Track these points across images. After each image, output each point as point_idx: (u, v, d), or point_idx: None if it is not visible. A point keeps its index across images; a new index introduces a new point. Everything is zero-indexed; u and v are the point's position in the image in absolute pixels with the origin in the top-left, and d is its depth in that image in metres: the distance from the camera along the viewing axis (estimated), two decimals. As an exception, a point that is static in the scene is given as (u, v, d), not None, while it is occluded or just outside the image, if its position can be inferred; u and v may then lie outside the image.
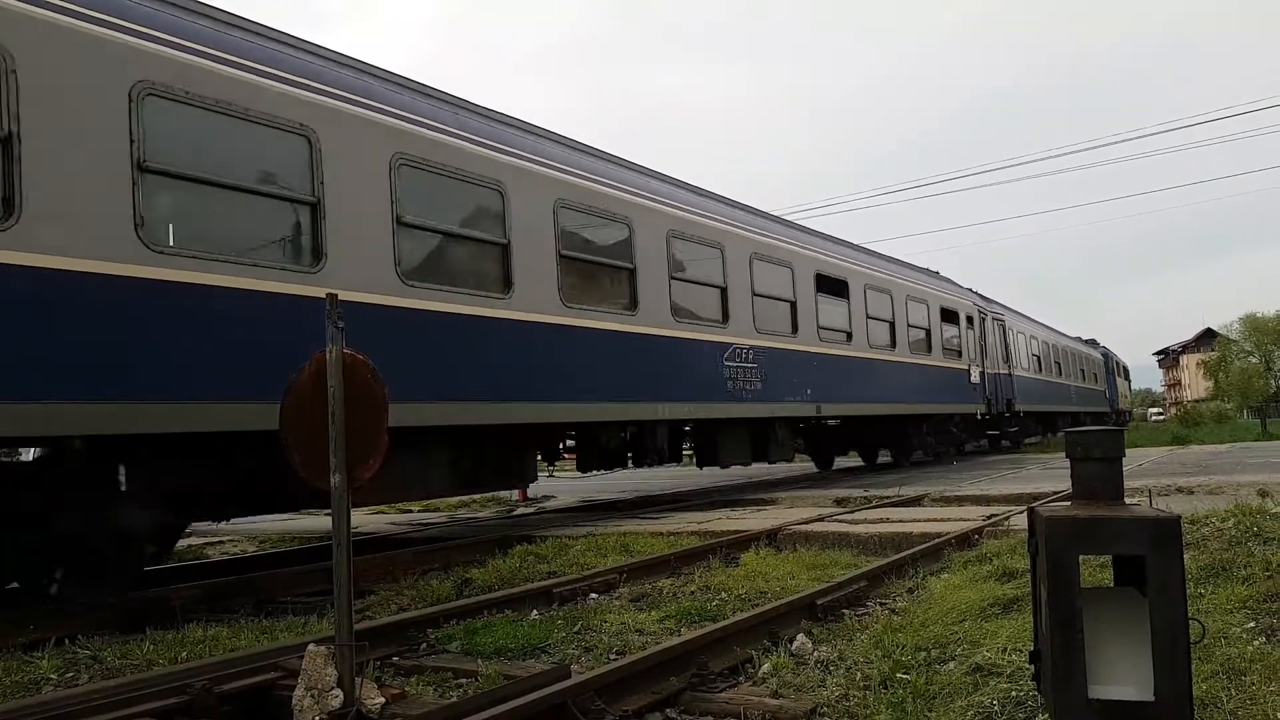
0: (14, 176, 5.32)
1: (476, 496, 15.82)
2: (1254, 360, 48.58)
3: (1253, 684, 3.33)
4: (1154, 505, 3.29)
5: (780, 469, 18.87)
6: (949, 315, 19.51)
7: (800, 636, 4.81)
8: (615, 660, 4.42)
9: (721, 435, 12.82)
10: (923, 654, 4.22)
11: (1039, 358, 26.81)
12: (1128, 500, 2.98)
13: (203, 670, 4.17)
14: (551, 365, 9.20)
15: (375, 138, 7.59)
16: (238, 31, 6.93)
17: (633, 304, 10.34)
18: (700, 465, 14.26)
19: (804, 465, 20.13)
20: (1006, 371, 22.83)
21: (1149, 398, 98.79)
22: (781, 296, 13.49)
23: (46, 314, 5.44)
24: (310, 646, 3.71)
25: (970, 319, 20.84)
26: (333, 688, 3.62)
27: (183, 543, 10.87)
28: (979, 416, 20.82)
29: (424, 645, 5.16)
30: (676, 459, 14.11)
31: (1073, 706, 2.67)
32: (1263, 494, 7.90)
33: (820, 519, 9.57)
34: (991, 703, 3.51)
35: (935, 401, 18.61)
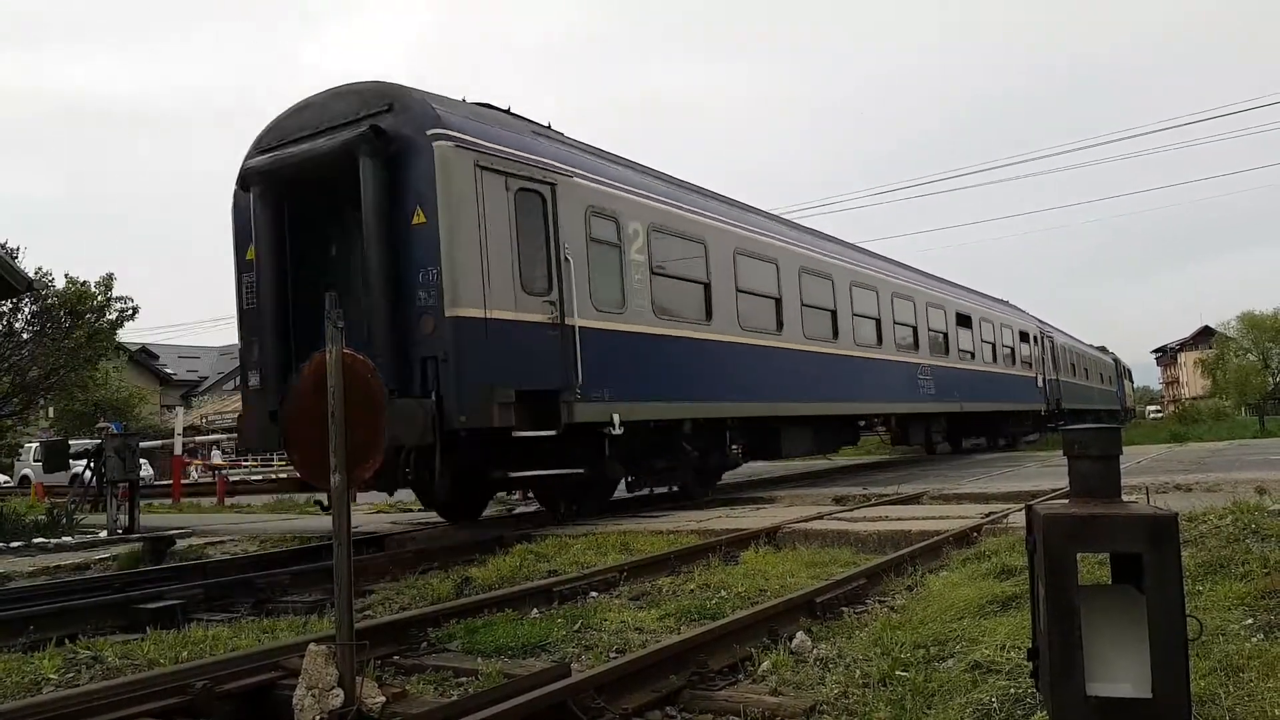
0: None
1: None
2: (1252, 358, 48.56)
3: (1250, 681, 3.34)
4: (1152, 503, 3.30)
5: (779, 467, 19.15)
6: (1023, 336, 26.30)
7: (800, 634, 4.83)
8: (615, 659, 4.43)
9: (913, 425, 20.16)
10: (921, 651, 4.23)
11: (1073, 366, 33.28)
12: (1126, 498, 2.98)
13: (204, 670, 4.18)
14: (812, 378, 14.69)
15: (720, 236, 13.04)
16: (684, 192, 12.66)
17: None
18: (894, 444, 21.92)
19: (807, 463, 20.37)
20: (1055, 378, 29.24)
21: (1147, 395, 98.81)
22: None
23: (646, 355, 10.95)
24: (311, 646, 3.72)
25: (1035, 337, 27.52)
26: (334, 687, 3.62)
27: (182, 543, 10.89)
28: (1041, 413, 27.20)
29: (424, 644, 5.17)
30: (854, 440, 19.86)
31: (1071, 704, 2.68)
32: (1261, 491, 7.91)
33: (819, 517, 9.59)
34: (990, 700, 3.52)
35: (1017, 401, 25.09)
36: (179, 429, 23.04)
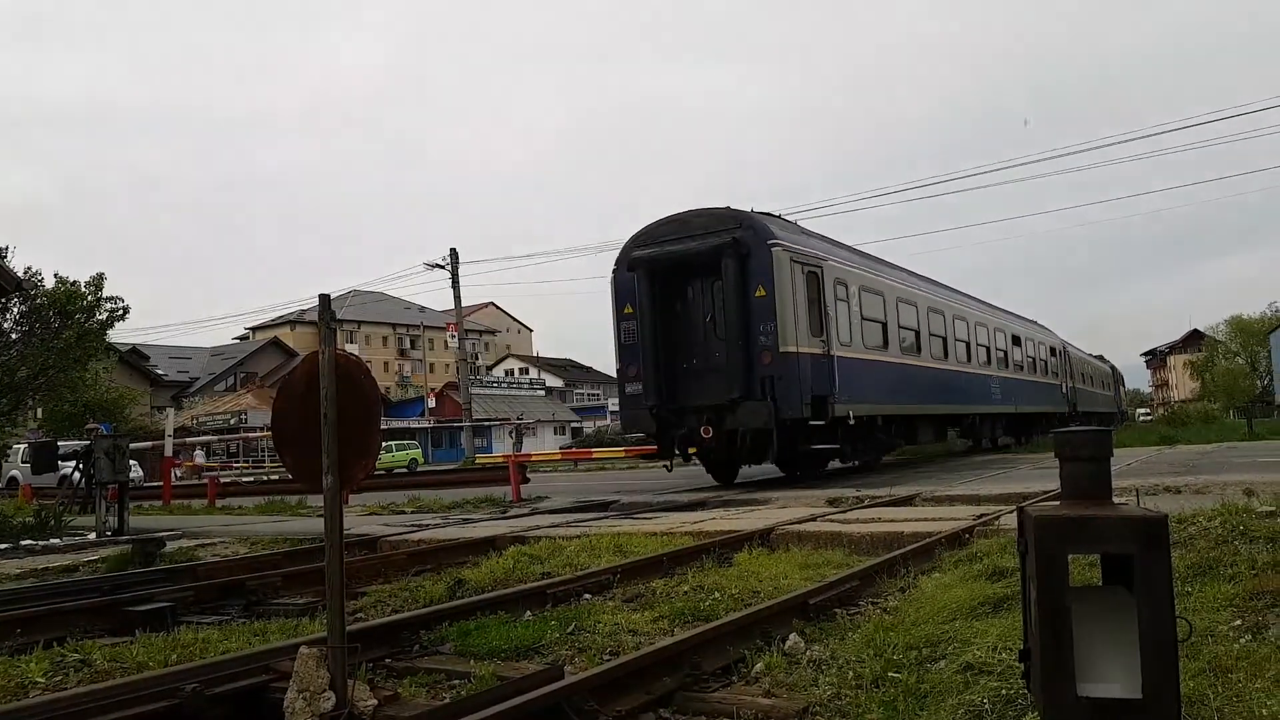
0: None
1: (470, 498, 15.82)
2: (1240, 361, 48.87)
3: (1239, 681, 3.36)
4: (1142, 505, 3.32)
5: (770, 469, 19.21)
6: (1051, 351, 31.90)
7: (793, 636, 4.83)
8: (609, 661, 4.43)
9: (984, 424, 24.58)
10: (914, 653, 4.23)
11: (1084, 375, 38.90)
12: (1116, 499, 3.00)
13: (193, 673, 4.16)
14: (936, 387, 20.56)
15: (889, 289, 18.94)
16: (871, 259, 18.78)
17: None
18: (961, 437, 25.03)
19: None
20: (1073, 385, 34.67)
21: (1137, 398, 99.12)
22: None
23: (862, 373, 15.94)
24: (302, 648, 3.71)
25: (1059, 352, 33.03)
26: (325, 690, 3.61)
27: (172, 545, 10.84)
28: (1063, 415, 31.71)
29: (417, 647, 5.15)
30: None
31: (1062, 704, 2.69)
32: (1249, 493, 7.95)
33: (813, 519, 9.60)
34: (982, 701, 3.52)
35: (1048, 405, 30.32)
36: (169, 430, 22.90)
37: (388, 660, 4.85)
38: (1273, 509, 5.95)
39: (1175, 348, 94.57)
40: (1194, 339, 76.73)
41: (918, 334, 19.77)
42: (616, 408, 77.68)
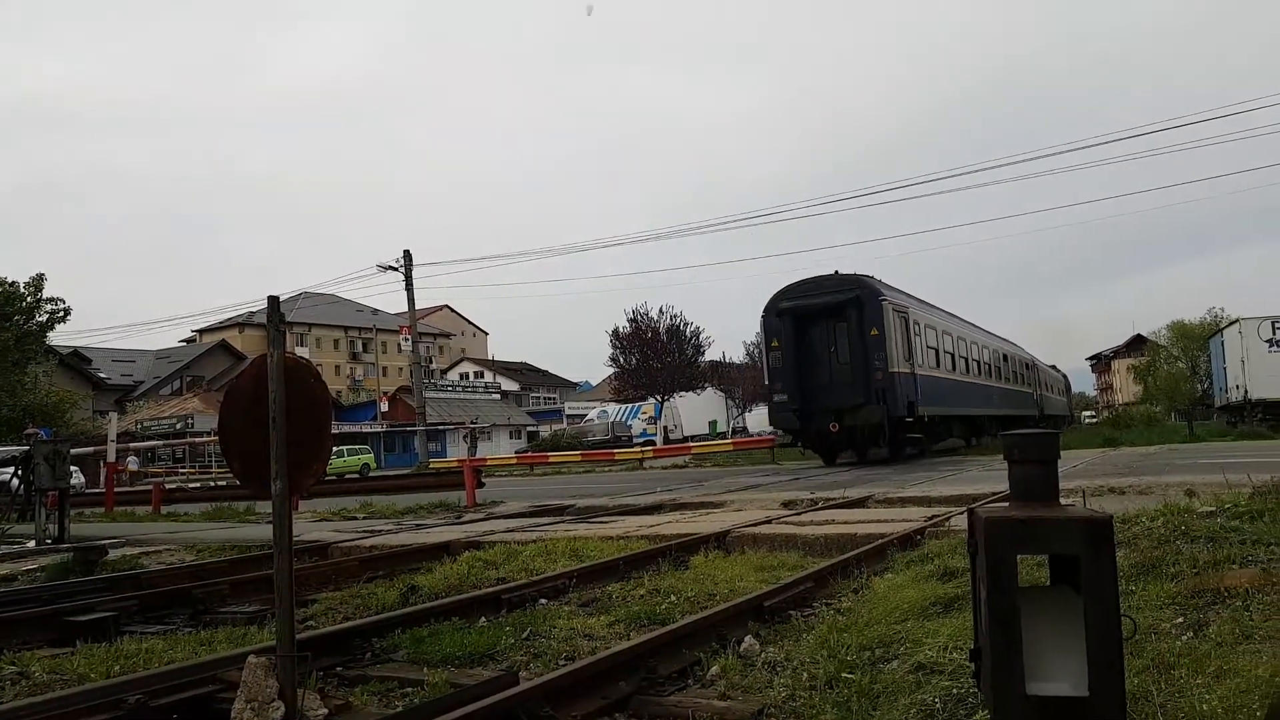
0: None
1: (423, 503, 15.66)
2: (1181, 365, 50.13)
3: (1181, 678, 3.43)
4: (1088, 505, 3.38)
5: (744, 472, 19.31)
6: (1025, 365, 39.09)
7: (748, 638, 4.84)
8: (564, 666, 4.40)
9: (988, 424, 29.74)
10: (867, 653, 4.27)
11: (1046, 384, 45.32)
12: (1063, 500, 3.05)
13: (137, 684, 4.06)
14: (966, 394, 27.08)
15: (944, 323, 26.72)
16: (936, 309, 26.59)
17: (967, 370, 27.57)
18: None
19: (761, 464, 20.64)
20: (1040, 394, 41.72)
21: (1083, 401, 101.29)
22: (999, 364, 32.93)
23: (931, 385, 23.05)
24: (250, 657, 3.64)
25: (1030, 365, 40.42)
26: (274, 699, 3.55)
27: (115, 553, 10.57)
28: (1034, 417, 37.89)
29: (369, 654, 5.08)
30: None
31: (1011, 703, 2.72)
32: (1190, 494, 8.14)
33: (768, 521, 9.65)
34: (933, 701, 3.56)
35: (1025, 409, 36.67)
36: (112, 435, 22.35)
37: (339, 669, 4.77)
38: (1213, 509, 6.10)
39: (1119, 352, 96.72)
40: (1137, 343, 78.56)
41: (953, 355, 26.47)
42: (572, 411, 77.49)
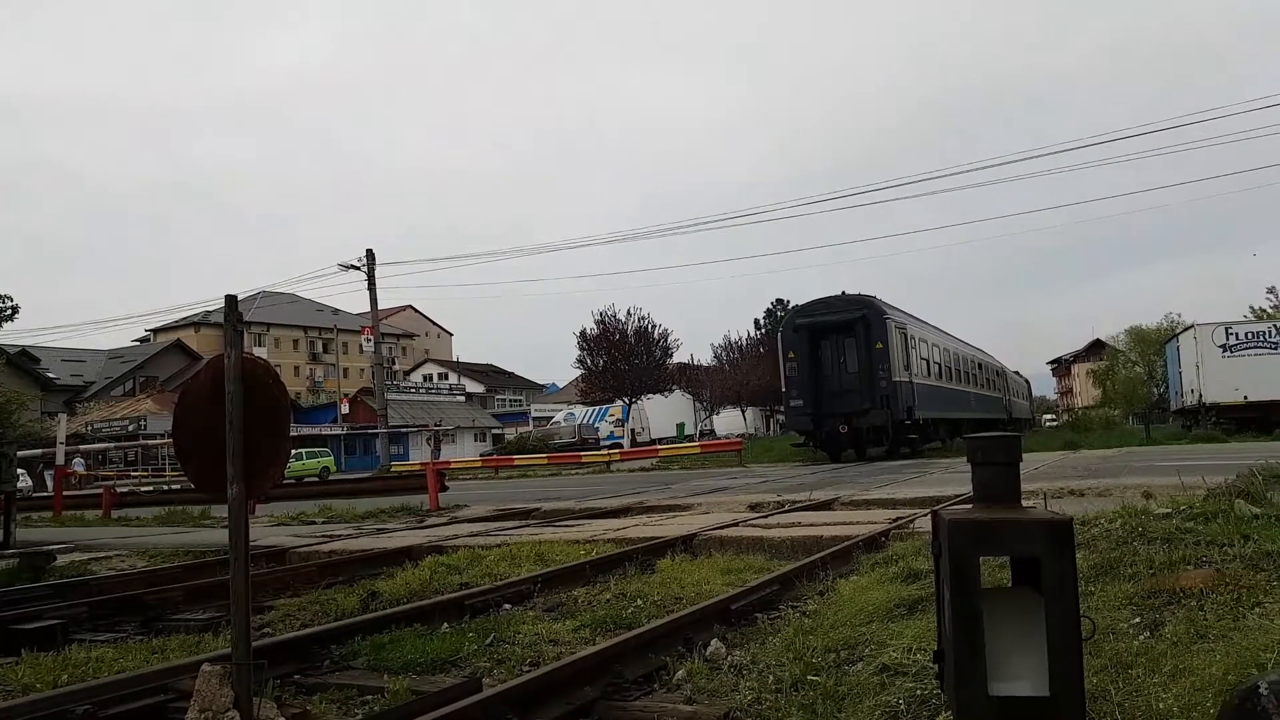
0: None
1: (385, 506, 15.50)
2: (1138, 369, 51.02)
3: (1138, 677, 3.47)
4: (1049, 507, 3.41)
5: (711, 474, 19.30)
6: (996, 372, 43.10)
7: (714, 642, 4.83)
8: (528, 672, 4.36)
9: (967, 426, 30.19)
10: (832, 655, 4.28)
11: (1013, 389, 49.54)
12: (1024, 503, 3.07)
13: (85, 694, 3.95)
14: (952, 400, 30.80)
15: (935, 337, 30.46)
16: (930, 326, 30.53)
17: (952, 378, 31.35)
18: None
19: (729, 467, 20.71)
20: (1008, 398, 45.54)
21: (1044, 404, 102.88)
22: (976, 372, 36.39)
23: (925, 392, 26.36)
24: (204, 666, 3.55)
25: (1000, 372, 44.56)
26: (229, 709, 3.46)
27: (64, 558, 10.34)
28: (1003, 420, 40.90)
29: (328, 662, 5.00)
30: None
31: (974, 703, 2.74)
32: (1147, 496, 8.28)
33: (735, 524, 9.66)
34: (898, 702, 3.57)
35: (996, 413, 39.84)
36: (61, 437, 21.82)
37: (296, 676, 4.69)
38: (1169, 511, 6.19)
39: (1079, 356, 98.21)
40: (1096, 348, 79.81)
41: (940, 365, 29.70)
42: (539, 413, 77.19)
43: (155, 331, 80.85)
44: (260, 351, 77.73)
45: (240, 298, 3.85)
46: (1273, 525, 5.12)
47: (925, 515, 8.45)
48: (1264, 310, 47.60)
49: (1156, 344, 46.02)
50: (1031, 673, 2.78)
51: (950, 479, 14.01)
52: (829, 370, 24.94)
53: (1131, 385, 48.53)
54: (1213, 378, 28.72)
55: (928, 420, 26.87)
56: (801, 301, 29.27)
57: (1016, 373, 56.99)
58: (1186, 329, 32.26)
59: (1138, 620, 4.19)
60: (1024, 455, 3.16)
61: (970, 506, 3.08)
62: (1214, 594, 4.29)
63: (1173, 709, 3.13)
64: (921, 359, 27.03)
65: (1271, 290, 49.39)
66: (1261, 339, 28.75)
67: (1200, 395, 28.92)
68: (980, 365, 38.42)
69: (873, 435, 24.36)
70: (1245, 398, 28.22)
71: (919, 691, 3.62)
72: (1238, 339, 28.87)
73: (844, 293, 26.07)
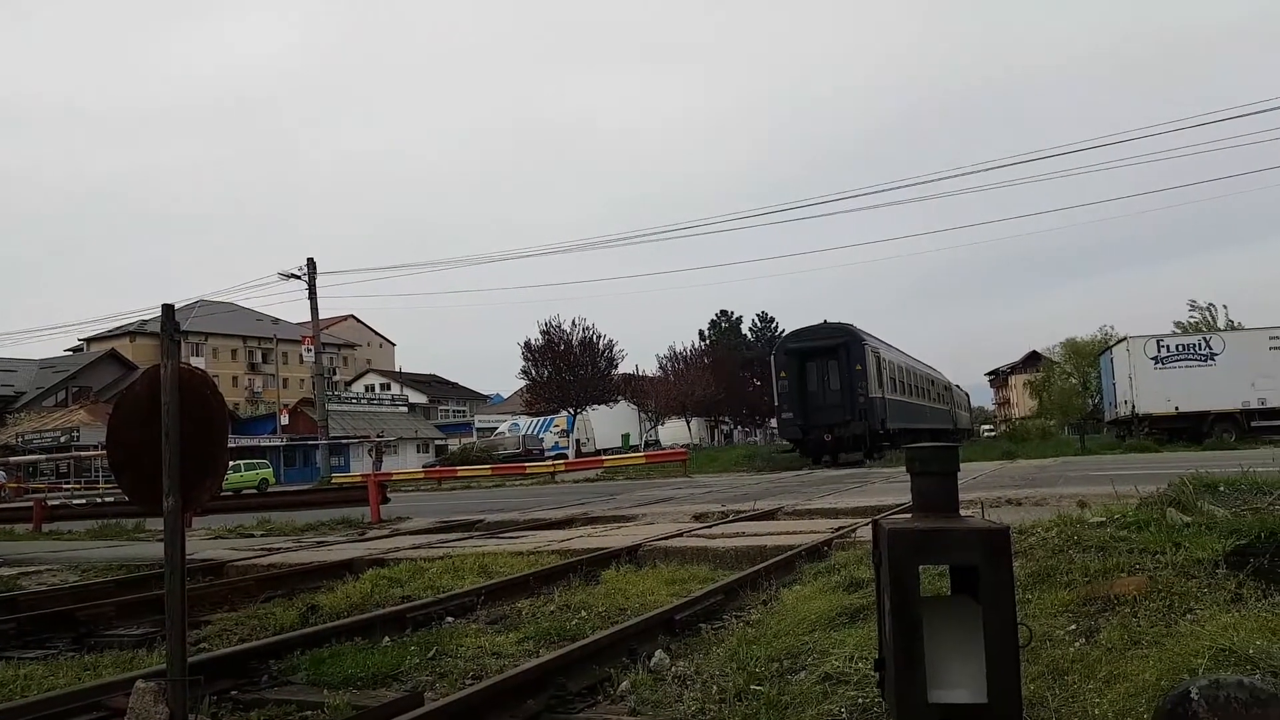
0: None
1: (325, 519, 15.23)
2: (1073, 381, 52.34)
3: (1074, 683, 3.56)
4: (986, 517, 3.48)
5: (656, 485, 19.25)
6: (944, 387, 48.75)
7: (659, 653, 4.84)
8: (471, 685, 4.32)
9: (924, 436, 35.48)
10: (775, 665, 4.31)
11: (957, 401, 55.73)
12: (963, 512, 3.13)
13: (12, 714, 3.82)
14: (913, 413, 37.79)
15: (898, 359, 37.43)
16: (897, 349, 37.54)
17: (915, 394, 39.13)
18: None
19: (673, 477, 20.60)
20: (954, 410, 51.39)
21: (982, 415, 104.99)
22: (929, 388, 43.57)
23: (894, 406, 32.44)
24: (138, 683, 3.46)
25: (948, 387, 50.49)
26: (163, 726, 3.37)
27: (-7, 574, 9.97)
28: (950, 430, 46.62)
29: (266, 677, 4.90)
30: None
31: (914, 711, 2.78)
32: (1082, 505, 8.49)
33: (680, 534, 9.69)
34: (840, 711, 3.61)
35: (945, 424, 45.18)
36: (-9, 449, 21.06)
37: (234, 692, 4.59)
38: (1103, 520, 6.34)
39: (1016, 368, 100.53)
40: (1033, 360, 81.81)
41: (904, 384, 35.23)
42: (483, 424, 76.45)
43: (89, 341, 78.59)
44: (198, 361, 75.87)
45: (178, 306, 3.77)
46: (1203, 533, 5.25)
47: (867, 524, 8.56)
48: (1186, 323, 49.21)
49: (1091, 356, 47.24)
50: (970, 680, 2.83)
51: (890, 489, 14.22)
52: (815, 388, 29.17)
53: (1067, 396, 49.75)
54: (1145, 389, 29.49)
55: (896, 430, 31.64)
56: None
57: (957, 385, 61.07)
58: (1120, 341, 33.06)
59: (1074, 627, 4.28)
60: (962, 465, 3.22)
61: (910, 516, 3.13)
62: (1147, 601, 4.39)
63: (1108, 714, 3.20)
64: (890, 378, 32.31)
65: (1192, 303, 51.08)
66: (1192, 351, 29.59)
67: (1133, 406, 29.67)
68: (932, 381, 44.29)
69: (851, 443, 28.28)
70: (1176, 408, 29.03)
71: (861, 700, 3.66)
72: (1169, 351, 29.69)
73: (826, 321, 31.00)
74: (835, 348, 28.93)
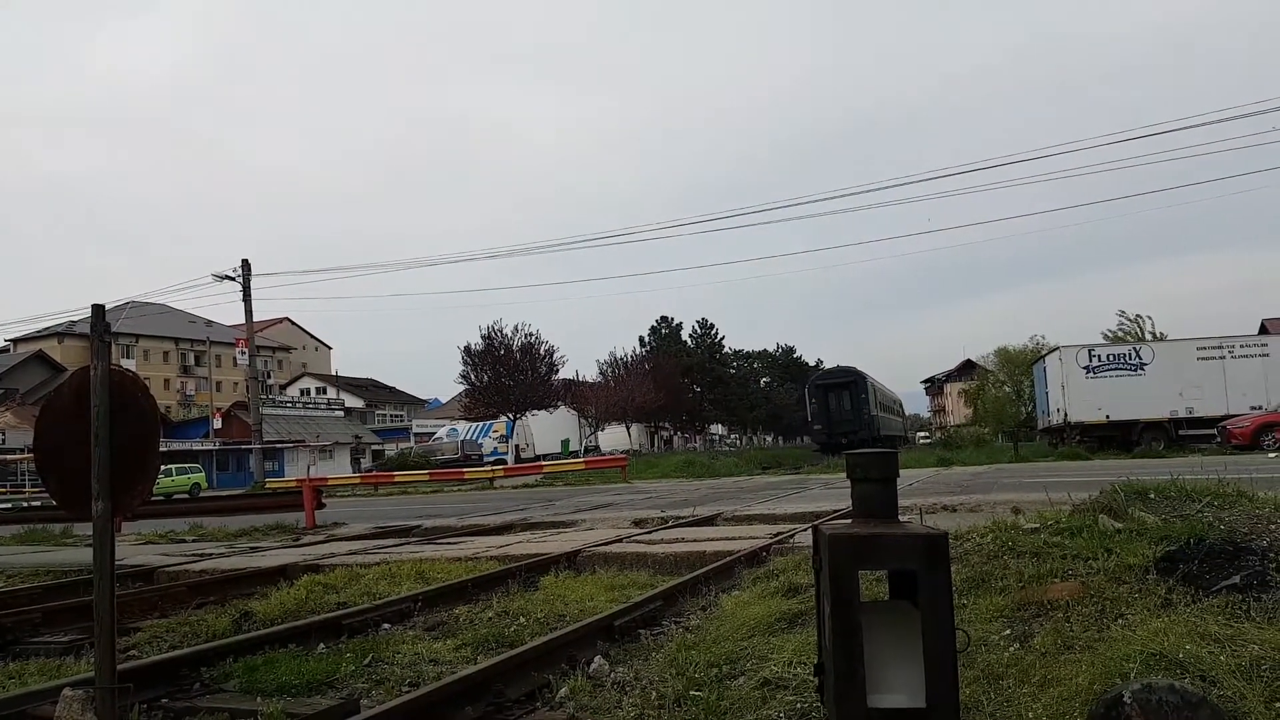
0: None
1: (259, 525, 14.91)
2: (1007, 389, 53.48)
3: (1009, 687, 3.63)
4: (924, 522, 3.54)
5: (596, 491, 19.15)
6: (896, 400, 66.40)
7: (598, 659, 4.83)
8: (408, 692, 4.26)
9: (883, 443, 45.61)
10: (715, 670, 4.32)
11: (906, 414, 73.43)
12: (901, 518, 3.18)
13: (-74, 727, 3.66)
14: (894, 425, 62.23)
15: (879, 387, 56.79)
16: (881, 381, 59.12)
17: (892, 413, 62.66)
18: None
19: (613, 483, 20.55)
20: (904, 419, 71.40)
21: (918, 422, 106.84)
22: (889, 404, 60.20)
23: (884, 422, 56.15)
24: (66, 691, 3.35)
25: (898, 403, 67.04)
26: (87, 738, 3.27)
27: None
28: (902, 438, 62.72)
29: (197, 685, 4.78)
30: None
31: (854, 716, 2.80)
32: (1016, 511, 8.68)
33: (619, 540, 9.68)
34: (779, 715, 3.64)
35: (901, 430, 65.14)
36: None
37: (164, 701, 4.47)
38: (1037, 526, 6.47)
39: (951, 376, 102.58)
40: (968, 368, 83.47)
41: (885, 405, 51.34)
42: (420, 429, 75.69)
43: (15, 341, 75.88)
44: (129, 363, 73.74)
45: (108, 307, 3.66)
46: (1134, 539, 5.36)
47: (805, 530, 8.65)
48: (1114, 332, 50.74)
49: (1023, 365, 48.35)
50: (909, 685, 2.86)
51: (827, 495, 14.40)
52: (834, 410, 45.65)
53: (1001, 404, 50.78)
54: (1077, 398, 30.20)
55: (883, 436, 47.15)
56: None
57: (895, 395, 72.28)
58: (1053, 351, 33.76)
59: (1009, 632, 4.36)
60: (899, 471, 3.27)
61: (850, 521, 3.17)
62: (1080, 606, 4.48)
63: (1042, 718, 3.27)
64: (878, 401, 49.11)
65: (1121, 313, 52.90)
66: (1123, 361, 30.39)
67: (1066, 414, 30.35)
68: (893, 399, 61.83)
69: (858, 445, 34.29)
70: (1107, 417, 29.79)
71: (800, 705, 3.70)
72: (1100, 360, 30.46)
73: (840, 365, 52.07)
74: (848, 383, 46.57)
